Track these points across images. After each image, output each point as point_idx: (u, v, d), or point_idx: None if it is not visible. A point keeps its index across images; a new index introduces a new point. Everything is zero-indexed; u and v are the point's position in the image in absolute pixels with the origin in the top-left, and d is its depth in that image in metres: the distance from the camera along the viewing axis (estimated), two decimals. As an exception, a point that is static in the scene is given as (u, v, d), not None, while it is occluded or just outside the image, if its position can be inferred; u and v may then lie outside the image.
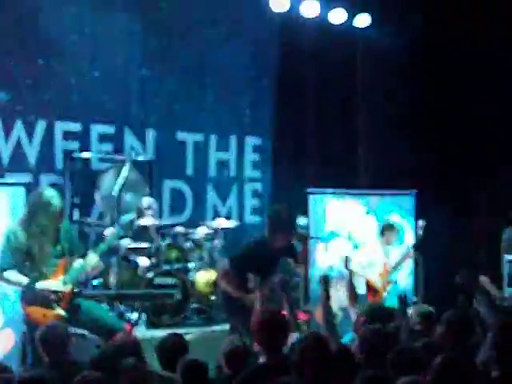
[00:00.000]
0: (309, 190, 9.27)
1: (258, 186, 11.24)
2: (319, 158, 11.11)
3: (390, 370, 4.67)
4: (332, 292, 8.92)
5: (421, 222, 9.16)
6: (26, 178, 8.63)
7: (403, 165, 10.78)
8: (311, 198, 9.29)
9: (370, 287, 8.84)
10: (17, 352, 7.10)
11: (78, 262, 6.55)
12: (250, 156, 11.23)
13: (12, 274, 6.44)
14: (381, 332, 5.31)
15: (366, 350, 5.12)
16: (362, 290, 8.90)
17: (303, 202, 9.35)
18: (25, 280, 6.41)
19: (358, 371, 4.71)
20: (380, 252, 9.01)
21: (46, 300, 6.40)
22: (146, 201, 9.13)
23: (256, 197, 11.13)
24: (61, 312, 6.40)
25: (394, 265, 9.05)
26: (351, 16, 10.80)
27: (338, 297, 9.26)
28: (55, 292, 6.41)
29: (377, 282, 8.84)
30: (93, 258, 6.55)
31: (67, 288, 6.46)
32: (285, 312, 8.31)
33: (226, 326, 8.60)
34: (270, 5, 10.30)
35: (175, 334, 5.56)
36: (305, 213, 9.46)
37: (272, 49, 11.06)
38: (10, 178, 8.61)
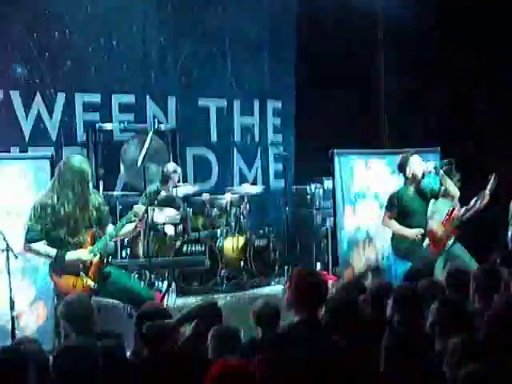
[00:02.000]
0: (333, 150, 9.17)
1: (281, 149, 11.16)
2: (342, 121, 11.00)
3: None
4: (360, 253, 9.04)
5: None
6: (49, 151, 8.62)
7: (427, 125, 10.68)
8: (336, 159, 9.20)
9: (432, 237, 8.42)
10: (50, 324, 7.14)
11: (107, 231, 6.54)
12: (272, 120, 11.14)
13: (41, 246, 6.43)
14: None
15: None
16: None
17: (327, 164, 9.28)
18: (54, 251, 6.41)
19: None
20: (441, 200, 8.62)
21: (75, 270, 6.40)
22: (171, 166, 9.10)
23: (280, 161, 11.04)
24: (90, 282, 6.39)
25: (462, 212, 8.64)
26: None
27: (367, 258, 9.26)
28: (84, 262, 6.41)
29: (438, 231, 8.48)
30: (139, 208, 6.51)
31: (96, 258, 6.45)
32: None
33: (256, 291, 8.64)
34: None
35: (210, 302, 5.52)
36: (329, 174, 9.40)
37: (291, 13, 10.93)
38: (33, 153, 8.64)
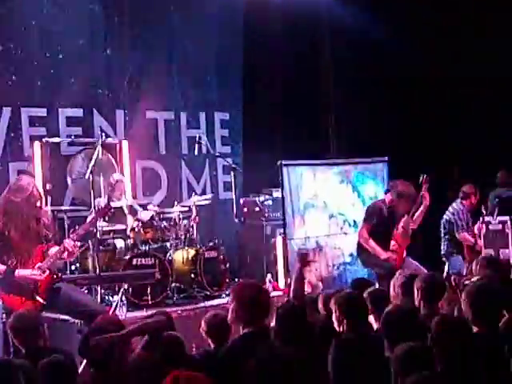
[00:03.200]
0: (282, 162, 9.23)
1: (230, 161, 11.17)
2: (289, 131, 11.08)
3: None
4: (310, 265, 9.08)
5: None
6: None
7: (374, 134, 10.80)
8: (284, 170, 9.25)
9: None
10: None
11: (54, 249, 6.49)
12: (220, 132, 11.16)
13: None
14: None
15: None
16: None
17: (275, 175, 9.34)
18: (3, 268, 6.35)
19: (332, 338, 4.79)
20: None
21: (24, 288, 6.35)
22: (116, 175, 9.10)
23: (228, 172, 11.05)
24: (39, 299, 6.34)
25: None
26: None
27: (316, 268, 9.32)
28: (33, 279, 6.36)
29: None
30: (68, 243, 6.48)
31: (45, 274, 6.40)
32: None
33: (207, 303, 8.64)
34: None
35: (162, 312, 5.51)
36: (277, 185, 9.45)
37: (238, 25, 10.99)
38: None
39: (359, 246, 8.47)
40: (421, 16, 10.88)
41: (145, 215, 9.06)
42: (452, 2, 10.74)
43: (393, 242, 8.26)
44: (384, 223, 8.25)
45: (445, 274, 9.02)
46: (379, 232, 8.22)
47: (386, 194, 8.54)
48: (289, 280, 9.23)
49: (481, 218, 9.32)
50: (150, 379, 4.35)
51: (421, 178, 8.44)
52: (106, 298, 8.38)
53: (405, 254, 8.37)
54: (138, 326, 4.95)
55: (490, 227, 9.58)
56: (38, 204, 6.48)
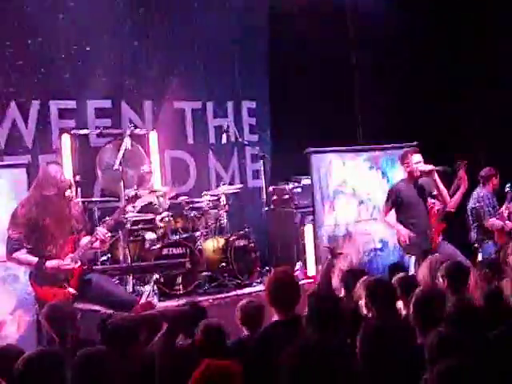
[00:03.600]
0: (309, 149, 9.20)
1: (258, 149, 11.16)
2: (316, 118, 11.03)
3: None
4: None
5: None
6: (25, 159, 8.60)
7: (401, 120, 10.75)
8: (312, 157, 9.23)
9: None
10: (31, 333, 7.12)
11: (85, 239, 6.54)
12: (247, 120, 11.15)
13: (22, 255, 6.43)
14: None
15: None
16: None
17: (304, 162, 9.32)
18: (35, 259, 6.41)
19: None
20: None
21: (55, 279, 6.41)
22: (146, 167, 9.14)
23: (256, 160, 11.05)
24: (71, 290, 6.40)
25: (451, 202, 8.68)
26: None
27: (347, 255, 9.30)
28: (65, 270, 6.41)
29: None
30: (101, 231, 6.53)
31: (76, 265, 6.45)
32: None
33: (238, 292, 8.66)
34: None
35: (192, 303, 5.55)
36: (306, 173, 9.44)
37: (262, 12, 10.94)
38: (9, 161, 8.60)
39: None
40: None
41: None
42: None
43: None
44: (407, 201, 8.18)
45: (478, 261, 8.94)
46: (406, 211, 8.16)
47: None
48: (319, 268, 9.24)
49: (508, 197, 9.26)
50: (183, 367, 4.38)
51: (457, 164, 8.40)
52: (137, 288, 8.42)
53: (440, 238, 8.31)
54: (158, 312, 5.00)
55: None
56: (68, 193, 6.51)
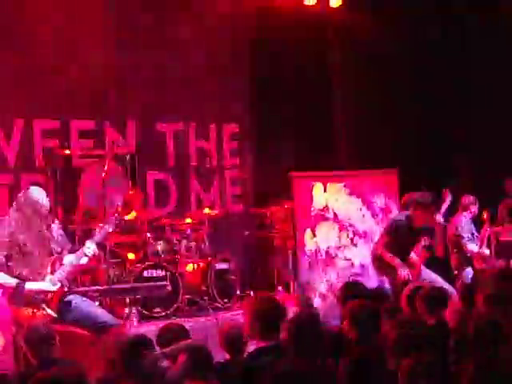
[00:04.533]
0: (292, 173, 9.25)
1: (239, 173, 11.18)
2: (299, 142, 11.09)
3: None
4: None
5: None
6: (7, 178, 8.58)
7: (383, 143, 10.83)
8: (294, 181, 9.27)
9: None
10: (8, 354, 7.05)
11: (67, 259, 6.52)
12: (229, 144, 11.17)
13: (1, 276, 6.39)
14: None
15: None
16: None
17: (286, 187, 9.36)
18: (13, 281, 6.37)
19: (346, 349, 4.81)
20: None
21: (34, 301, 6.37)
22: (131, 193, 9.13)
23: (237, 184, 11.07)
24: (50, 312, 6.36)
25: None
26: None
27: (327, 279, 9.35)
28: (44, 292, 6.38)
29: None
30: (90, 245, 6.50)
31: (56, 287, 6.42)
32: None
33: (217, 315, 8.65)
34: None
35: (175, 323, 5.55)
36: (289, 196, 9.47)
37: (247, 36, 11.00)
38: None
39: (374, 254, 8.46)
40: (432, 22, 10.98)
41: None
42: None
43: (412, 254, 8.28)
44: (403, 238, 8.21)
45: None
46: (398, 245, 8.19)
47: (403, 209, 8.50)
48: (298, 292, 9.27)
49: (484, 225, 9.41)
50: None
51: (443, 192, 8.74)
52: (117, 309, 8.39)
53: (422, 266, 8.38)
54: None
55: (501, 238, 9.63)
56: (48, 216, 6.50)
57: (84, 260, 6.52)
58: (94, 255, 6.53)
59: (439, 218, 9.04)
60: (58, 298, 6.43)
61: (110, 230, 6.67)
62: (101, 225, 6.86)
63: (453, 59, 11.18)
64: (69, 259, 6.50)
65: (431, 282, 7.52)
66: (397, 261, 8.10)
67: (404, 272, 7.97)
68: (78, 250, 6.58)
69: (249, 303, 5.21)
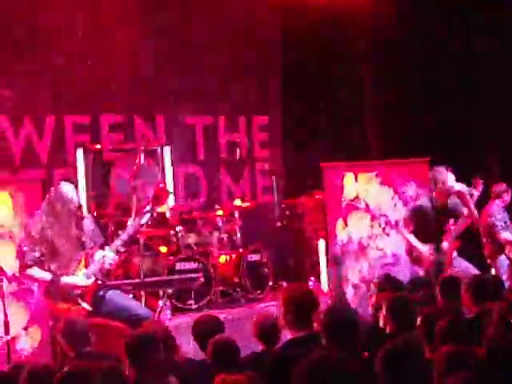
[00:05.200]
0: (322, 164, 9.21)
1: (269, 164, 11.16)
2: (329, 133, 11.06)
3: None
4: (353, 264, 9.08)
5: None
6: (40, 173, 8.65)
7: (413, 133, 10.76)
8: (325, 171, 9.24)
9: None
10: (45, 347, 7.13)
11: (99, 254, 6.56)
12: (259, 135, 11.17)
13: (36, 271, 6.47)
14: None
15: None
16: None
17: (316, 177, 9.33)
18: (48, 276, 6.44)
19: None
20: None
21: (69, 295, 6.43)
22: (161, 186, 9.14)
23: (268, 175, 11.05)
24: (85, 306, 6.41)
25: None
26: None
27: (360, 269, 9.31)
28: (79, 286, 6.43)
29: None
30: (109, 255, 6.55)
31: (90, 281, 6.47)
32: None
33: (250, 307, 8.67)
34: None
35: (210, 315, 5.57)
36: (320, 187, 9.45)
37: (276, 26, 10.99)
38: (24, 175, 8.65)
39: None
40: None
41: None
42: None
43: (444, 243, 8.22)
44: (428, 223, 8.17)
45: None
46: (425, 231, 8.15)
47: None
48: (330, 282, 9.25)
49: None
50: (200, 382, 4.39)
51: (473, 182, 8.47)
52: (150, 302, 8.43)
53: (455, 254, 8.31)
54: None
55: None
56: (78, 212, 6.54)
57: (106, 265, 6.56)
58: (112, 264, 6.57)
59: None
60: (93, 292, 6.49)
61: (143, 221, 6.70)
62: (132, 218, 6.89)
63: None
64: (99, 255, 6.55)
65: (463, 270, 7.47)
66: (418, 244, 8.02)
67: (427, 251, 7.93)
68: (109, 245, 6.64)
69: (282, 294, 5.20)
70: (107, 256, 6.50)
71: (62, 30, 9.40)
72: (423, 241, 8.12)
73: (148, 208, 6.75)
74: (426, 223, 8.16)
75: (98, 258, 6.54)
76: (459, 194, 8.08)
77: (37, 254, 6.43)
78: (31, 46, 9.19)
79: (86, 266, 6.53)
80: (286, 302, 5.03)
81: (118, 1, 9.74)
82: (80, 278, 6.47)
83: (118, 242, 6.63)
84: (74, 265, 6.50)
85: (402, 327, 5.11)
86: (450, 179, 8.11)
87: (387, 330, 5.20)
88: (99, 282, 6.57)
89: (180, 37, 10.24)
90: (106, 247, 6.64)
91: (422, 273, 8.27)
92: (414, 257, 8.32)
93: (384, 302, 5.30)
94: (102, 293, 6.57)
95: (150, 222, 8.38)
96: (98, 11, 9.56)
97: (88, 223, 6.71)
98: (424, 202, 8.33)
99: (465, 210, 8.12)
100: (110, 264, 6.54)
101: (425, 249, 8.07)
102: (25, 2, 9.18)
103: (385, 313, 5.23)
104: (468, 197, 8.08)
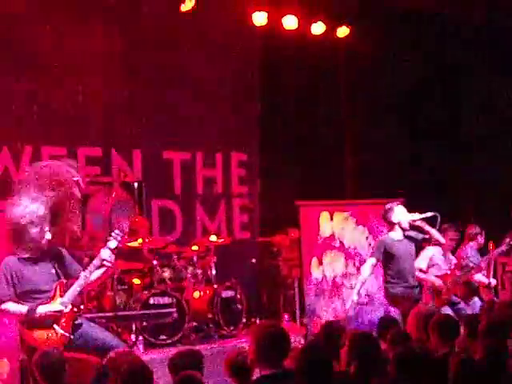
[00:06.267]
0: (298, 202, 9.26)
1: (246, 201, 11.20)
2: (306, 170, 11.12)
3: None
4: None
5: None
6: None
7: (391, 173, 10.86)
8: (301, 209, 9.28)
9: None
10: (15, 381, 7.04)
11: (75, 283, 6.53)
12: (237, 171, 11.20)
13: (11, 305, 6.41)
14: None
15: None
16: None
17: (292, 215, 9.37)
18: (24, 308, 6.38)
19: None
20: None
21: (47, 323, 6.37)
22: (137, 220, 9.14)
23: (244, 212, 11.08)
24: (63, 332, 6.35)
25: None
26: (331, 28, 10.83)
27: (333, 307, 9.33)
28: (56, 314, 6.38)
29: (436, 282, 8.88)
30: (106, 252, 6.50)
31: (68, 309, 6.43)
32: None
33: (223, 343, 8.63)
34: (252, 19, 10.28)
35: (191, 350, 5.53)
36: (295, 225, 9.49)
37: (254, 64, 11.08)
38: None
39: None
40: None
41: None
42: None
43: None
44: (394, 255, 8.28)
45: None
46: (393, 264, 8.25)
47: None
48: (305, 320, 9.25)
49: (489, 253, 9.41)
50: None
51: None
52: (123, 336, 8.38)
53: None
54: None
55: (507, 268, 9.62)
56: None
57: (99, 271, 6.51)
58: (111, 261, 6.52)
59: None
60: (70, 320, 6.43)
61: (112, 246, 6.62)
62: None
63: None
64: (82, 275, 6.51)
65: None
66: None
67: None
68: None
69: (253, 330, 5.16)
70: (105, 253, 6.43)
71: (43, 61, 9.41)
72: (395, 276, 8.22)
73: (114, 234, 6.65)
74: (391, 256, 8.27)
75: (80, 278, 6.49)
76: (413, 224, 8.25)
77: (11, 289, 6.39)
78: (9, 79, 9.17)
79: (62, 295, 6.48)
80: (257, 338, 5.00)
81: (99, 39, 9.74)
82: (57, 305, 6.42)
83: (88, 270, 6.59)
84: (48, 295, 6.44)
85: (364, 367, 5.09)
86: (399, 212, 8.24)
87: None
88: (75, 310, 6.52)
89: (158, 72, 10.29)
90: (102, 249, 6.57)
91: (397, 313, 8.28)
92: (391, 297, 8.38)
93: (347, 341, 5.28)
94: (77, 322, 6.52)
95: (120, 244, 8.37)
96: (75, 45, 9.57)
97: (62, 254, 6.67)
98: (384, 238, 8.49)
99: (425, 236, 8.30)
100: (110, 258, 6.45)
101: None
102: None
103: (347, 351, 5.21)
104: (424, 223, 8.20)
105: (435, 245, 8.78)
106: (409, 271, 8.27)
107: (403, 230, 8.33)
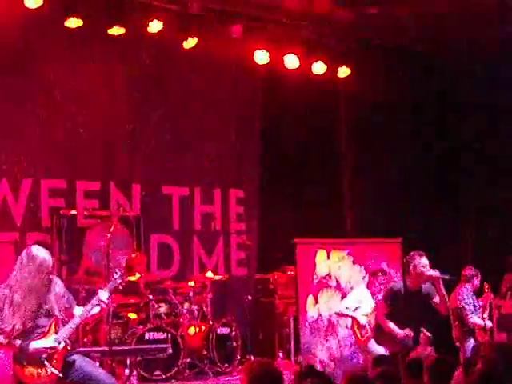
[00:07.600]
0: (295, 240, 9.29)
1: (244, 238, 11.19)
2: (305, 209, 11.15)
3: None
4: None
5: None
6: (13, 236, 8.63)
7: (389, 212, 10.89)
8: (298, 248, 9.31)
9: None
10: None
11: (76, 312, 6.52)
12: (235, 208, 11.22)
13: (2, 340, 6.38)
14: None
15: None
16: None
17: (290, 252, 9.39)
18: (17, 342, 6.36)
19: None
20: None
21: (38, 359, 6.34)
22: (134, 255, 9.16)
23: (242, 249, 11.07)
24: (54, 371, 6.33)
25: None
26: (331, 69, 10.92)
27: (328, 347, 9.31)
28: (49, 351, 6.36)
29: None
30: (103, 294, 6.51)
31: (61, 345, 6.41)
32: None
33: (217, 380, 8.61)
34: (254, 58, 10.37)
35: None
36: (291, 263, 9.50)
37: (255, 102, 11.15)
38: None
39: (375, 323, 8.41)
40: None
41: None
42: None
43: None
44: (402, 305, 8.10)
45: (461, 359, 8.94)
46: (398, 313, 8.09)
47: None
48: (299, 358, 9.22)
49: (484, 295, 9.39)
50: None
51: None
52: (117, 371, 8.36)
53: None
54: None
55: (502, 311, 9.60)
56: (48, 274, 6.50)
57: (96, 310, 6.52)
58: (107, 303, 6.53)
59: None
60: (62, 357, 6.41)
61: (111, 288, 6.62)
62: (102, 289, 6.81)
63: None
64: (78, 312, 6.51)
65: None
66: (395, 329, 7.99)
67: (401, 333, 7.91)
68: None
69: (245, 368, 5.15)
70: (103, 294, 6.44)
71: (42, 95, 9.49)
72: (397, 324, 8.04)
73: (117, 275, 6.69)
74: (398, 307, 8.11)
75: (76, 316, 6.48)
76: (432, 280, 8.04)
77: (5, 325, 6.37)
78: (8, 112, 9.23)
79: (56, 332, 6.46)
80: (249, 376, 5.00)
81: (96, 72, 9.83)
82: (50, 341, 6.40)
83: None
84: (41, 331, 6.42)
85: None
86: (421, 264, 8.07)
87: None
88: (68, 347, 6.50)
89: (158, 109, 10.36)
90: (100, 290, 6.58)
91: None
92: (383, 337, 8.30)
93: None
94: (70, 358, 6.49)
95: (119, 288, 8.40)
96: (76, 80, 9.65)
97: (59, 284, 6.66)
98: (396, 285, 8.31)
99: (437, 297, 8.08)
100: (107, 301, 6.47)
101: (401, 334, 7.99)
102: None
103: None
104: (441, 283, 8.04)
105: None
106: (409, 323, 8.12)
107: (420, 282, 8.03)
